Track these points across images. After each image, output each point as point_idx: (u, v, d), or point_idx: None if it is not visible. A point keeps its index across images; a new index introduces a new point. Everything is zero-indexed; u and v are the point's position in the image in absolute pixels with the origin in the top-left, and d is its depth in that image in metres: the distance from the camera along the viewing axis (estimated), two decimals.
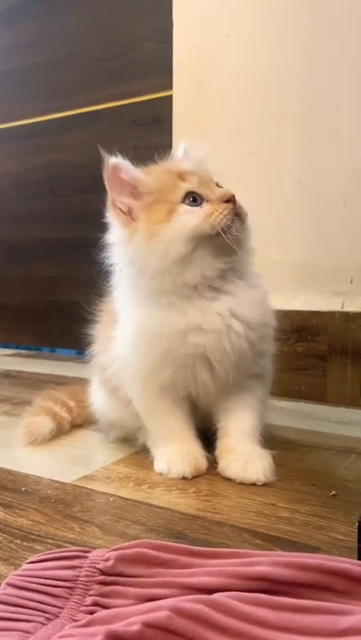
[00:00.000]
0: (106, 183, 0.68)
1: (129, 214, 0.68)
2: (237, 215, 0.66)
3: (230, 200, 0.66)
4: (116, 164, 0.67)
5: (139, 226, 0.67)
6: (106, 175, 0.67)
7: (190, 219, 0.65)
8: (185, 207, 0.66)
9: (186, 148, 0.76)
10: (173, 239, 0.65)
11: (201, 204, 0.66)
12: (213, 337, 0.66)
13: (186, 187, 0.67)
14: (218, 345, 0.67)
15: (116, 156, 0.68)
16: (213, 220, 0.65)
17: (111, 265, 0.73)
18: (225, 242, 0.65)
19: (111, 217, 0.70)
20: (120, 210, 0.68)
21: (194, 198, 0.66)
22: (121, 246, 0.69)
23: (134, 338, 0.69)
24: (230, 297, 0.68)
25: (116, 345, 0.73)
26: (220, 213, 0.65)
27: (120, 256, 0.70)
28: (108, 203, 0.69)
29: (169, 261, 0.65)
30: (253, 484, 0.66)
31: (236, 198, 0.67)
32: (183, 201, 0.66)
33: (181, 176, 0.68)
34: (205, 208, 0.66)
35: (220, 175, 0.71)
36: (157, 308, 0.67)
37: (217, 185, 0.70)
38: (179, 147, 0.76)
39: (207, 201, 0.66)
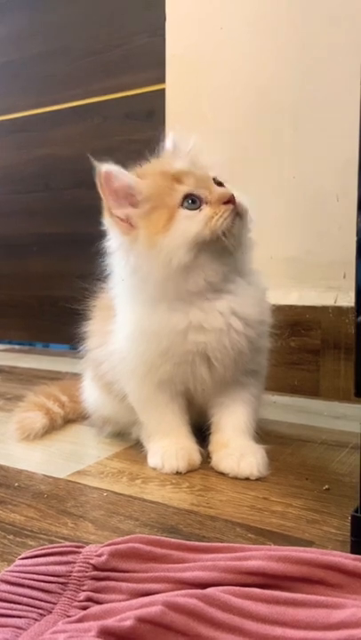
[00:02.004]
0: (100, 191, 0.65)
1: (127, 222, 0.66)
2: (238, 214, 0.65)
3: (230, 201, 0.64)
4: (108, 171, 0.64)
5: (139, 233, 0.65)
6: (99, 183, 0.65)
7: (190, 225, 0.63)
8: (184, 212, 0.64)
9: (174, 139, 0.74)
10: (174, 249, 0.63)
11: (200, 206, 0.65)
12: (214, 335, 0.66)
13: (183, 189, 0.65)
14: (218, 343, 0.66)
15: (106, 160, 0.65)
16: (214, 225, 0.63)
17: (111, 269, 0.72)
18: (225, 246, 0.64)
19: (109, 224, 0.68)
20: (118, 217, 0.66)
21: (192, 200, 0.65)
22: (122, 253, 0.68)
23: (133, 334, 0.69)
24: (231, 295, 0.68)
25: (114, 339, 0.72)
26: (221, 216, 0.63)
27: (122, 264, 0.68)
28: (105, 210, 0.67)
29: (172, 270, 0.64)
30: (247, 479, 0.66)
31: (236, 196, 0.65)
32: (182, 204, 0.65)
33: (177, 178, 0.66)
34: (205, 211, 0.64)
35: (214, 166, 0.70)
36: (157, 309, 0.67)
37: (215, 180, 0.68)
38: (167, 138, 0.75)
39: (206, 202, 0.65)
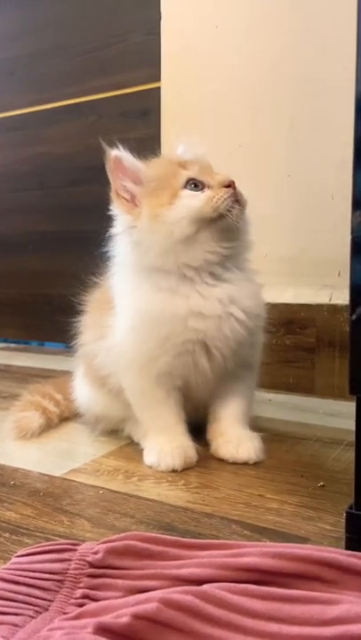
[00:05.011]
0: (109, 174, 0.69)
1: (132, 201, 0.70)
2: (237, 201, 0.68)
3: (230, 185, 0.68)
4: (118, 154, 0.69)
5: (142, 210, 0.68)
6: (108, 166, 0.69)
7: (193, 201, 0.67)
8: (187, 192, 0.68)
9: (185, 148, 0.77)
10: (177, 220, 0.66)
11: (202, 189, 0.68)
12: (213, 323, 0.68)
13: (187, 174, 0.69)
14: (218, 331, 0.68)
15: (117, 147, 0.69)
16: (215, 204, 0.66)
17: (113, 255, 0.74)
18: (226, 225, 0.67)
19: (115, 207, 0.71)
20: (123, 198, 0.70)
21: (195, 184, 0.68)
22: (125, 232, 0.71)
23: (134, 323, 0.70)
24: (229, 285, 0.70)
25: (113, 332, 0.73)
26: (221, 197, 0.67)
27: (125, 243, 0.71)
28: (112, 193, 0.70)
29: (173, 241, 0.67)
30: (244, 473, 0.66)
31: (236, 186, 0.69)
32: (185, 187, 0.68)
33: (182, 165, 0.70)
34: (207, 192, 0.67)
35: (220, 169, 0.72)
36: (158, 292, 0.69)
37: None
38: (178, 147, 0.77)
39: (208, 187, 0.68)
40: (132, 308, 0.70)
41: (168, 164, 0.71)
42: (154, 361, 0.69)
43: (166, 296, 0.68)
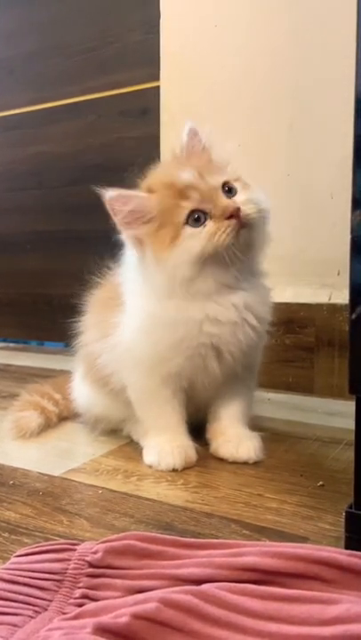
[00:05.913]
0: (110, 214, 0.67)
1: (138, 240, 0.68)
2: (243, 226, 0.65)
3: (232, 215, 0.64)
4: (113, 197, 0.66)
5: (147, 249, 0.67)
6: (108, 208, 0.67)
7: (194, 243, 0.65)
8: (188, 230, 0.65)
9: (192, 129, 0.73)
10: (178, 264, 0.65)
11: (204, 222, 0.65)
12: (228, 329, 0.68)
13: (188, 206, 0.65)
14: (232, 336, 0.68)
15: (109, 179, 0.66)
16: (216, 241, 0.64)
17: (125, 261, 0.73)
18: (231, 254, 0.65)
19: (122, 237, 0.70)
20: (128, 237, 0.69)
21: (197, 217, 0.65)
22: (136, 264, 0.70)
23: (146, 324, 0.69)
24: (245, 292, 0.69)
25: (121, 330, 0.71)
26: (223, 232, 0.64)
27: (135, 264, 0.70)
28: (117, 226, 0.68)
29: (177, 283, 0.66)
30: (243, 473, 0.66)
31: (242, 203, 0.66)
32: (187, 221, 0.65)
33: (183, 193, 0.66)
34: (208, 227, 0.65)
35: (229, 158, 0.71)
36: (174, 299, 0.68)
37: (226, 185, 0.68)
38: (184, 129, 0.73)
39: (210, 217, 0.65)
40: (145, 309, 0.69)
41: (168, 195, 0.66)
42: (165, 362, 0.69)
43: (182, 302, 0.68)
